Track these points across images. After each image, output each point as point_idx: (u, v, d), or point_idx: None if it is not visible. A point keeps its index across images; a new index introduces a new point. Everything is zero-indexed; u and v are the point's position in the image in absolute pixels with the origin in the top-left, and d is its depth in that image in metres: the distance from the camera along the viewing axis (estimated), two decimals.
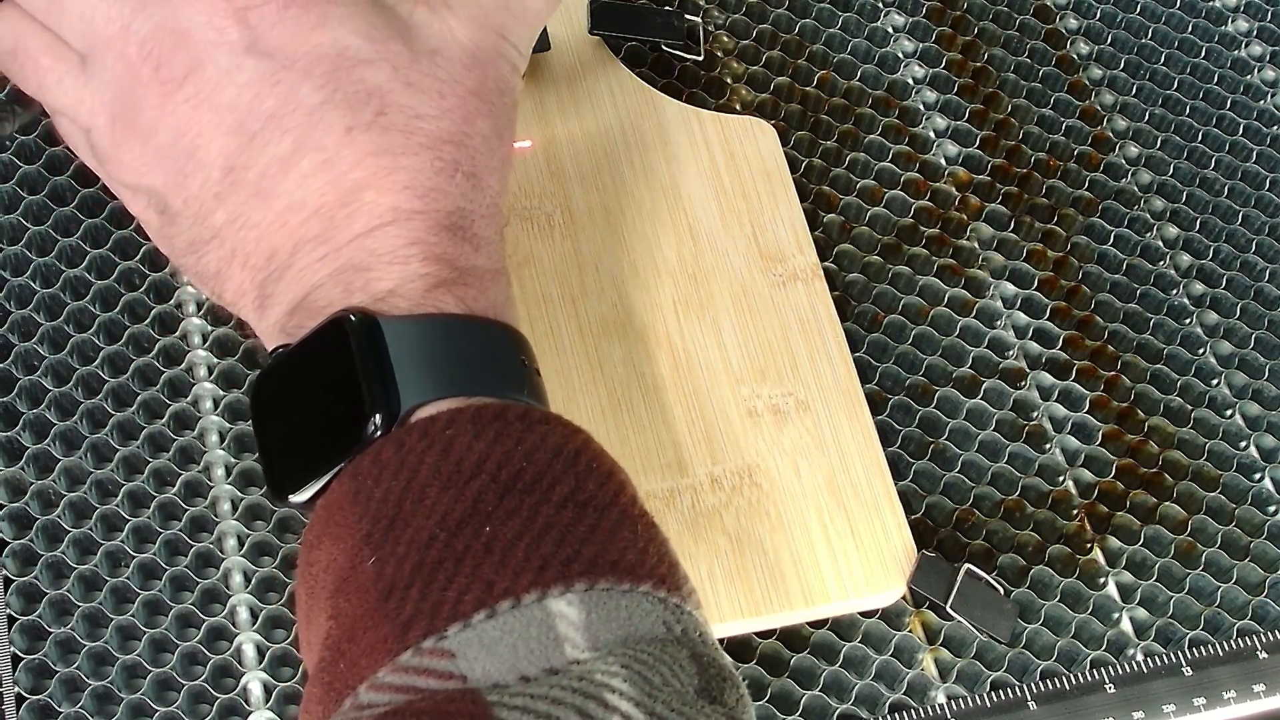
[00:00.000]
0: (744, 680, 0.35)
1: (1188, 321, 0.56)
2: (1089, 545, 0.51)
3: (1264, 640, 0.50)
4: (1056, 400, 0.54)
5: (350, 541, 0.31)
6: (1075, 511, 0.52)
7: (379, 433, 0.32)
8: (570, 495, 0.31)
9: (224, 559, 0.48)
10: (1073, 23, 0.62)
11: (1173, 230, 0.58)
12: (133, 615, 0.47)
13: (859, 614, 0.49)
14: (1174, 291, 0.56)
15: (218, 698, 0.46)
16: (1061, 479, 0.53)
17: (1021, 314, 0.55)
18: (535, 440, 0.32)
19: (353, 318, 0.33)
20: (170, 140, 0.36)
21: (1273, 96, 0.61)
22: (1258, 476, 0.53)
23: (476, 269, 0.36)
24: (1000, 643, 0.49)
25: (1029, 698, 0.48)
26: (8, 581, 0.47)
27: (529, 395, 0.35)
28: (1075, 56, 0.61)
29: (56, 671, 0.46)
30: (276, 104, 0.35)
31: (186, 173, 0.36)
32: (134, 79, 0.36)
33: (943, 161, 0.58)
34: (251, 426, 0.35)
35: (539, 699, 0.28)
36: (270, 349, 0.36)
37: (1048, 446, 0.53)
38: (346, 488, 0.32)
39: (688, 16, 0.59)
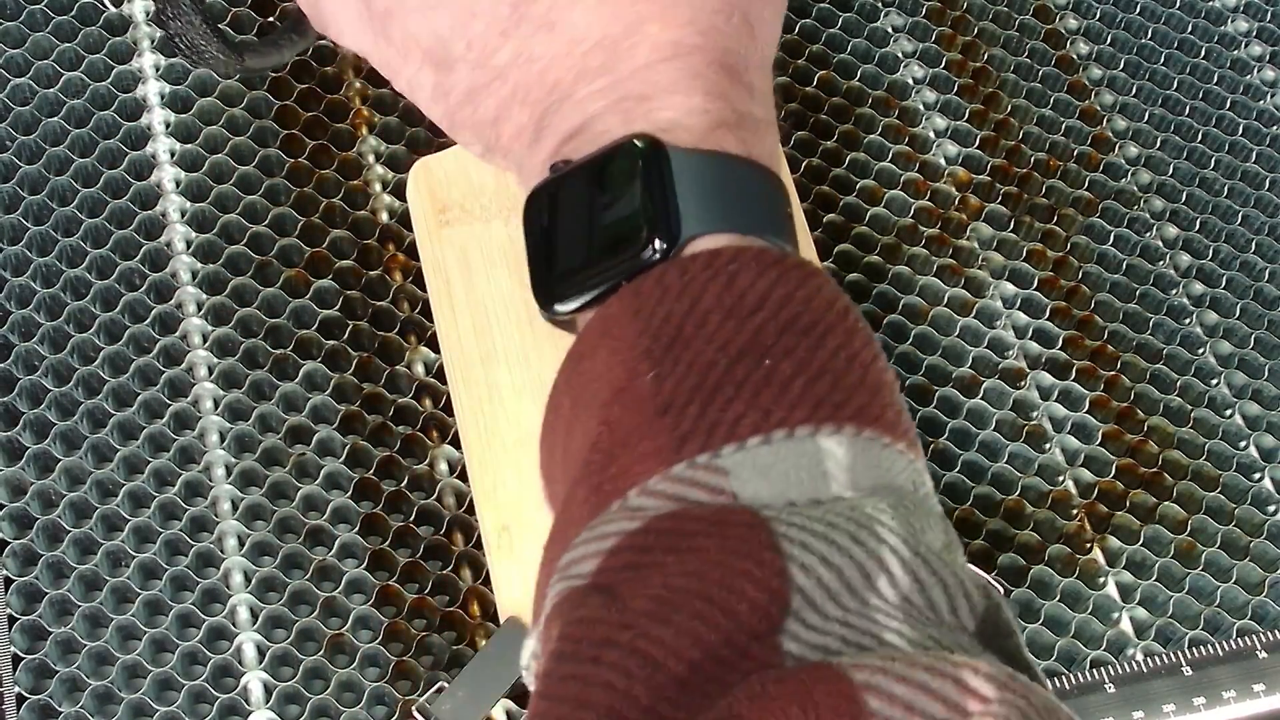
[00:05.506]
0: None
1: (1187, 321, 0.56)
2: (1089, 545, 0.52)
3: (1264, 640, 0.50)
4: (1056, 400, 0.54)
5: (629, 354, 0.32)
6: (1075, 511, 0.52)
7: (656, 257, 0.33)
8: (841, 346, 0.32)
9: (224, 559, 0.48)
10: (1073, 23, 0.62)
11: (1172, 230, 0.58)
12: (133, 615, 0.47)
13: None
14: (1174, 291, 0.56)
15: (218, 697, 0.46)
16: (1061, 479, 0.53)
17: (1021, 314, 0.55)
18: (812, 290, 0.32)
19: (638, 143, 0.34)
20: None
21: (1273, 96, 0.61)
22: (1258, 476, 0.53)
23: (753, 115, 0.36)
24: None
25: None
26: (8, 581, 0.47)
27: (792, 247, 0.35)
28: (1075, 56, 0.61)
29: (57, 671, 0.46)
30: None
31: (475, 11, 0.36)
32: None
33: (943, 161, 0.58)
34: (524, 237, 0.36)
35: (813, 520, 0.29)
36: (549, 165, 0.36)
37: (1048, 446, 0.53)
38: (628, 304, 0.32)
39: None
